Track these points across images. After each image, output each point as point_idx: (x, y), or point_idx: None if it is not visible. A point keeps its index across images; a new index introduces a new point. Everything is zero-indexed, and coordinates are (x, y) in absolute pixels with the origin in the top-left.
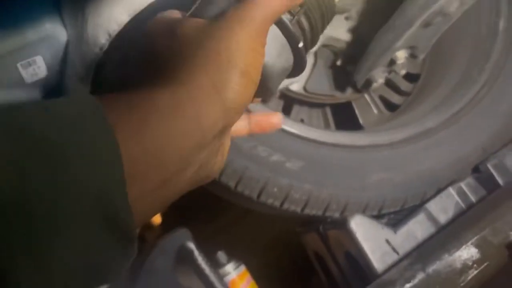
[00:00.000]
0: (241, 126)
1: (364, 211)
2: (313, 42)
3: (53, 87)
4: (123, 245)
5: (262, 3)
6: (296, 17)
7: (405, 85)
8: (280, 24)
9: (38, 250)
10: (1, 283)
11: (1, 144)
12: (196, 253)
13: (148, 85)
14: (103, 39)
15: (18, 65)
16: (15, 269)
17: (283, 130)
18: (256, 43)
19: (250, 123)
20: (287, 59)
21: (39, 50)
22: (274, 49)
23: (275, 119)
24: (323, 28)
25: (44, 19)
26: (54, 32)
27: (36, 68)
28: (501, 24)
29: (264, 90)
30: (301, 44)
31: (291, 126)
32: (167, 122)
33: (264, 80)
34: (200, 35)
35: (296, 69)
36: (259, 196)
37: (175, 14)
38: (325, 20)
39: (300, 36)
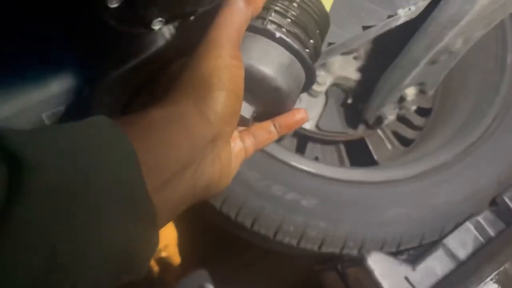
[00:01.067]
0: (262, 136)
1: (381, 248)
2: (316, 50)
3: None
4: (147, 233)
5: (224, 24)
6: (284, 28)
7: (417, 120)
8: (272, 37)
9: (81, 238)
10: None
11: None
12: None
13: (149, 106)
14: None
15: (43, 116)
16: (60, 238)
17: (297, 168)
18: (227, 59)
19: (276, 125)
20: (296, 69)
21: (64, 101)
22: (278, 63)
23: (299, 114)
24: (321, 35)
25: (68, 73)
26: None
27: (60, 118)
28: (509, 57)
29: (283, 104)
30: (299, 46)
31: (304, 164)
32: (163, 133)
33: (282, 94)
34: (186, 64)
35: (308, 79)
36: (275, 235)
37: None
38: (321, 26)
39: (297, 42)
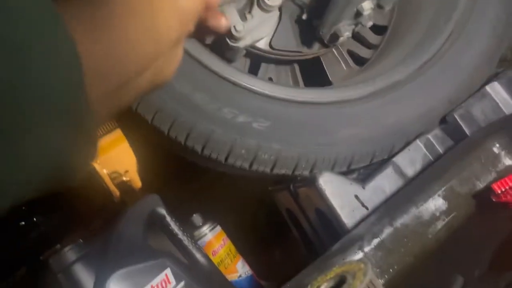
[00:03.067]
0: None
1: (333, 168)
2: None
3: None
4: (84, 144)
5: None
6: None
7: (373, 38)
8: None
9: (8, 147)
10: None
11: None
12: (168, 218)
13: None
14: None
15: None
16: None
17: (249, 90)
18: None
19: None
20: None
21: None
22: None
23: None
24: None
25: None
26: None
27: None
28: None
29: None
30: None
31: (255, 85)
32: (126, 26)
33: None
34: None
35: None
36: (226, 159)
37: None
38: None
39: None
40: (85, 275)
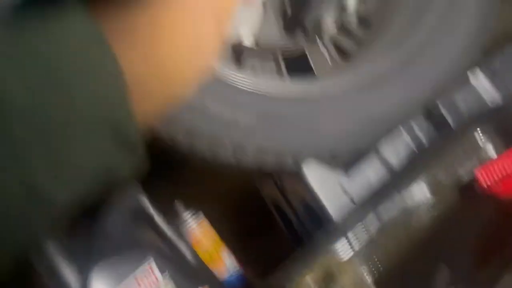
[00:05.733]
0: None
1: (317, 158)
2: None
3: None
4: (129, 153)
5: None
6: None
7: (357, 31)
8: None
9: (55, 156)
10: (21, 179)
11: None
12: (150, 208)
13: (143, 4)
14: None
15: None
16: (35, 173)
17: (232, 85)
18: None
19: None
20: None
21: None
22: None
23: None
24: None
25: None
26: None
27: None
28: None
29: None
30: None
31: (240, 81)
32: (168, 44)
33: None
34: None
35: None
36: (212, 154)
37: None
38: None
39: None
40: (68, 269)
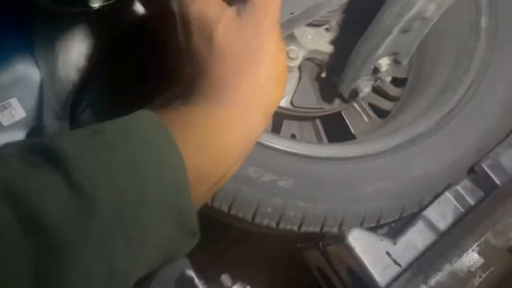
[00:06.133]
0: None
1: (361, 223)
2: None
3: (32, 127)
4: (189, 237)
5: (266, 7)
6: None
7: (393, 90)
8: None
9: (132, 241)
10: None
11: (92, 160)
12: (196, 280)
13: (197, 102)
14: (74, 75)
15: None
16: (116, 256)
17: (272, 148)
18: (280, 44)
19: None
20: None
21: (13, 92)
22: None
23: None
24: None
25: (15, 61)
26: (26, 73)
27: (12, 110)
28: (483, 21)
29: None
30: None
31: (279, 143)
32: (223, 139)
33: None
34: (235, 47)
35: None
36: (253, 217)
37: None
38: None
39: None
40: None
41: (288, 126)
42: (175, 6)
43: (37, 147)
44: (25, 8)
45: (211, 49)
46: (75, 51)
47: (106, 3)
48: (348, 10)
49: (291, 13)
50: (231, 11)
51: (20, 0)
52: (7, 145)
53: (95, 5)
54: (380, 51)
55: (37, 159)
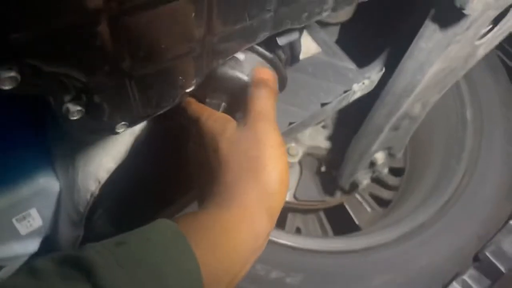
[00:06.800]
0: None
1: None
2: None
3: (47, 235)
4: None
5: (260, 111)
6: None
7: (392, 180)
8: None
9: None
10: None
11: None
12: None
13: (208, 206)
14: (93, 187)
15: (13, 220)
16: None
17: (278, 244)
18: (279, 148)
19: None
20: None
21: (34, 203)
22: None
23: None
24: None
25: (37, 174)
26: (47, 185)
27: (31, 219)
28: (468, 113)
29: None
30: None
31: (285, 239)
32: (231, 240)
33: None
34: (238, 157)
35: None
36: None
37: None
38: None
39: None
40: None
41: (293, 219)
42: (192, 121)
43: (68, 259)
44: (44, 120)
45: (218, 159)
46: (95, 163)
47: (130, 127)
48: (341, 109)
49: (290, 123)
50: (233, 123)
51: (39, 112)
52: (42, 259)
53: (120, 130)
54: (374, 147)
55: (68, 270)
